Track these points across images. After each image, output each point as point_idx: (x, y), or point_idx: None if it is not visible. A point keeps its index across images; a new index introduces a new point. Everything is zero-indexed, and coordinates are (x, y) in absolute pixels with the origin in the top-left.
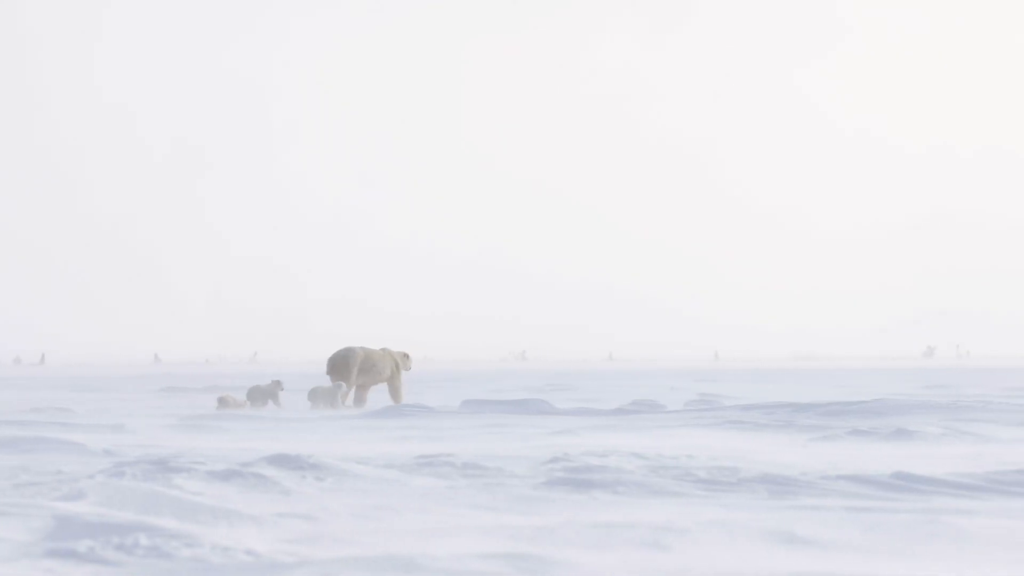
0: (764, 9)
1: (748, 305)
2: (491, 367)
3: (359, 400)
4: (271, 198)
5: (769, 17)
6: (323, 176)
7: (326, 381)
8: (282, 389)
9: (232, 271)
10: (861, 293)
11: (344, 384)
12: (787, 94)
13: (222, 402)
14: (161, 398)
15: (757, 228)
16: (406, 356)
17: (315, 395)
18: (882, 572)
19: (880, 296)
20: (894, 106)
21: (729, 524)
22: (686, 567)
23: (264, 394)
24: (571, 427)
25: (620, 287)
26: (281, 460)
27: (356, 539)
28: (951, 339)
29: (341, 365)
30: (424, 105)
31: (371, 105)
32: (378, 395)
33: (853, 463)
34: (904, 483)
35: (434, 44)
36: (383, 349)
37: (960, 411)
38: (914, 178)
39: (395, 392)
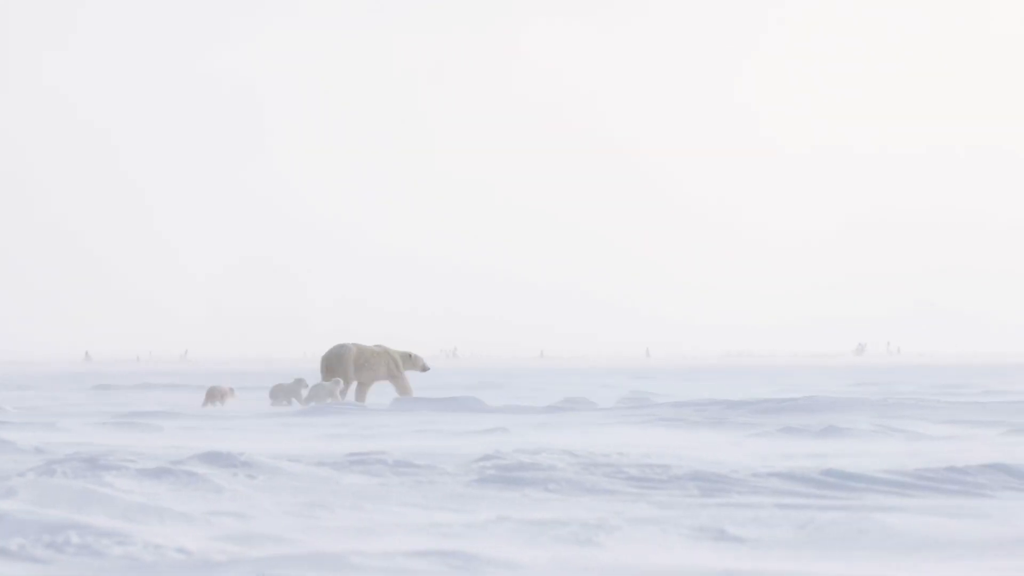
0: (702, 7)
1: (681, 302)
2: None
3: (360, 397)
4: (217, 195)
5: (706, 15)
6: (262, 170)
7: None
8: (305, 387)
9: (170, 268)
10: (794, 291)
11: (342, 381)
12: (724, 93)
13: (210, 395)
14: (92, 396)
15: (691, 225)
16: (410, 355)
17: (276, 392)
18: (812, 569)
19: (812, 294)
20: (830, 106)
21: (660, 521)
22: (617, 564)
23: (288, 392)
24: (503, 425)
25: (552, 283)
26: (213, 458)
27: (288, 537)
28: (882, 336)
29: (336, 362)
30: (363, 99)
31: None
32: (376, 394)
33: (784, 460)
34: (835, 480)
35: (378, 42)
36: (378, 345)
37: (891, 408)
38: (851, 179)
39: (401, 389)
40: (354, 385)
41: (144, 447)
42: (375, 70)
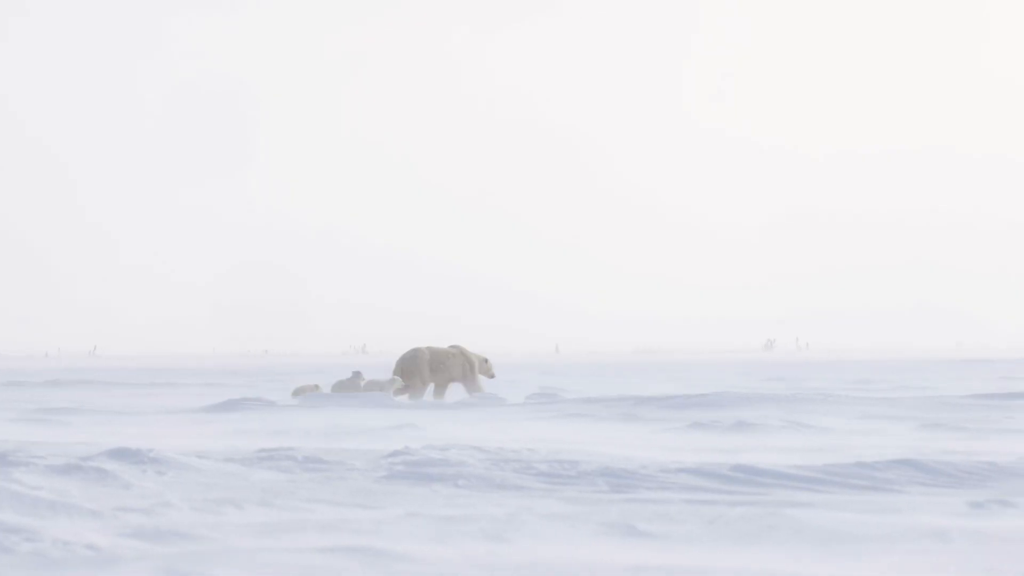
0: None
1: (590, 296)
2: (332, 360)
3: (438, 396)
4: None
5: (643, 9)
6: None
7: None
8: (363, 380)
9: (77, 262)
10: (703, 287)
11: (399, 379)
12: (654, 85)
13: (298, 393)
14: (2, 392)
15: (604, 217)
16: (486, 361)
17: (336, 387)
18: (722, 564)
19: (722, 290)
20: (758, 104)
21: (570, 517)
22: (527, 560)
23: (348, 387)
24: (412, 420)
25: (463, 274)
26: (121, 454)
27: (196, 533)
28: (791, 332)
29: (411, 365)
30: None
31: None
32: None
33: (693, 456)
34: (744, 476)
35: (313, 36)
36: (453, 347)
37: (800, 404)
38: (771, 178)
39: (472, 391)
40: (431, 386)
41: (52, 443)
42: (300, 65)
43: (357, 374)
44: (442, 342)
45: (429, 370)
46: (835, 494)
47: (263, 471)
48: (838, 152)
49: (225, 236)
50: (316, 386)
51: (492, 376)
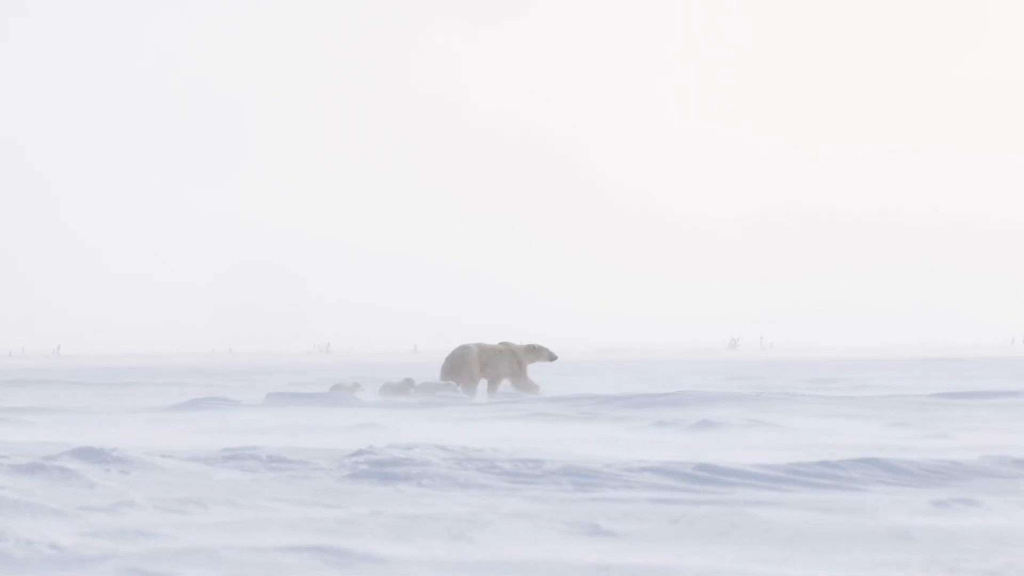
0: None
1: (554, 295)
2: (294, 360)
3: (491, 391)
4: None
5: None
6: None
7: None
8: (414, 386)
9: (43, 257)
10: (668, 286)
11: (455, 383)
12: (627, 79)
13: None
14: None
15: (571, 212)
16: (533, 347)
17: (385, 391)
18: (685, 564)
19: (686, 289)
20: (739, 102)
21: (534, 516)
22: (491, 559)
23: (397, 391)
24: (376, 420)
25: (424, 273)
26: (85, 453)
27: (160, 532)
28: (754, 331)
29: (459, 364)
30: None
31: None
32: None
33: (657, 455)
34: (708, 475)
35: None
36: (502, 343)
37: (764, 403)
38: (743, 176)
39: (523, 388)
40: (484, 383)
41: (15, 442)
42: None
43: (408, 380)
44: (397, 347)
45: (479, 367)
46: (799, 493)
47: (227, 470)
48: (809, 150)
49: (219, 238)
50: (356, 385)
51: (553, 358)
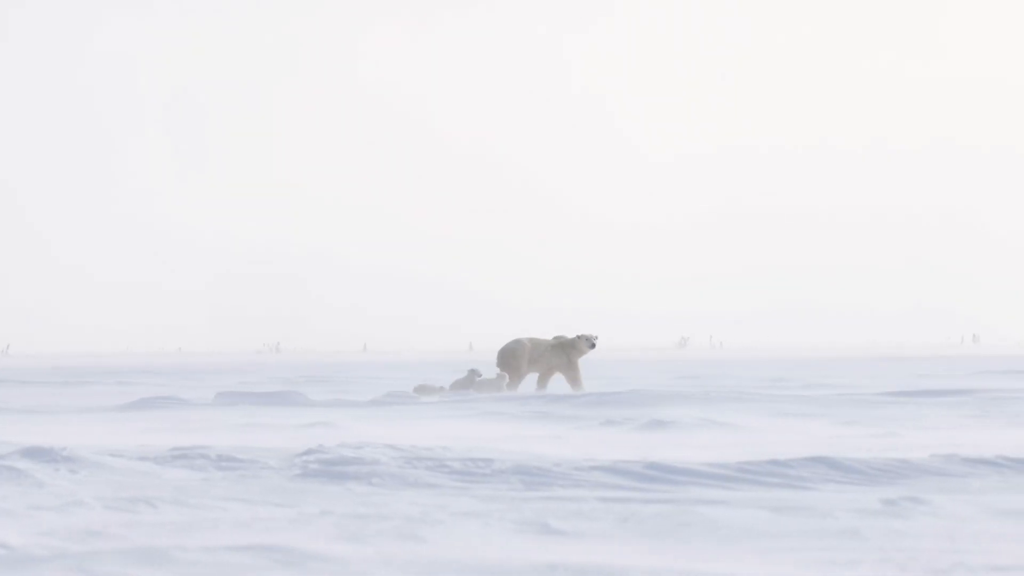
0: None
1: (504, 293)
2: (245, 359)
3: (541, 386)
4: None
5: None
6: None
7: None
8: (479, 376)
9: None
10: (616, 283)
11: (507, 375)
12: (562, 82)
13: (420, 389)
14: None
15: (517, 211)
16: (580, 337)
17: (455, 385)
18: (635, 562)
19: (635, 287)
20: (681, 103)
21: (484, 515)
22: (441, 558)
23: (464, 384)
24: (326, 419)
25: (372, 271)
26: (34, 452)
27: (110, 532)
28: (704, 330)
29: (510, 358)
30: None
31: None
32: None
33: (607, 454)
34: (658, 473)
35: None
36: (556, 338)
37: (713, 401)
38: (691, 175)
39: (572, 382)
40: (533, 378)
41: None
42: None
43: (473, 371)
44: (346, 346)
45: (527, 361)
46: (748, 492)
47: (176, 470)
48: (759, 147)
49: (215, 241)
50: (442, 387)
51: (593, 345)
